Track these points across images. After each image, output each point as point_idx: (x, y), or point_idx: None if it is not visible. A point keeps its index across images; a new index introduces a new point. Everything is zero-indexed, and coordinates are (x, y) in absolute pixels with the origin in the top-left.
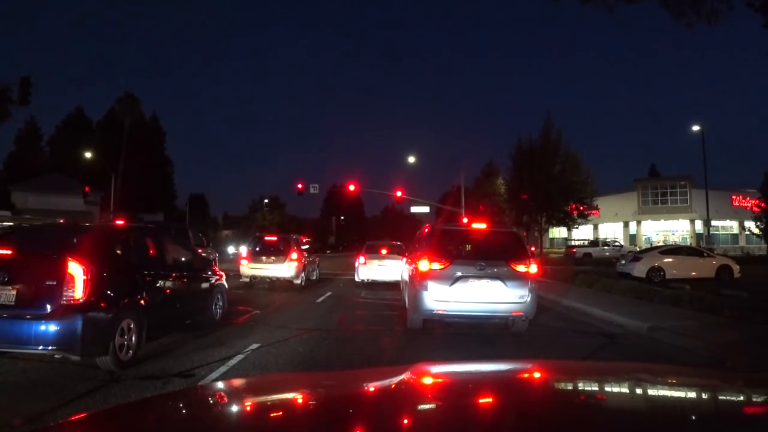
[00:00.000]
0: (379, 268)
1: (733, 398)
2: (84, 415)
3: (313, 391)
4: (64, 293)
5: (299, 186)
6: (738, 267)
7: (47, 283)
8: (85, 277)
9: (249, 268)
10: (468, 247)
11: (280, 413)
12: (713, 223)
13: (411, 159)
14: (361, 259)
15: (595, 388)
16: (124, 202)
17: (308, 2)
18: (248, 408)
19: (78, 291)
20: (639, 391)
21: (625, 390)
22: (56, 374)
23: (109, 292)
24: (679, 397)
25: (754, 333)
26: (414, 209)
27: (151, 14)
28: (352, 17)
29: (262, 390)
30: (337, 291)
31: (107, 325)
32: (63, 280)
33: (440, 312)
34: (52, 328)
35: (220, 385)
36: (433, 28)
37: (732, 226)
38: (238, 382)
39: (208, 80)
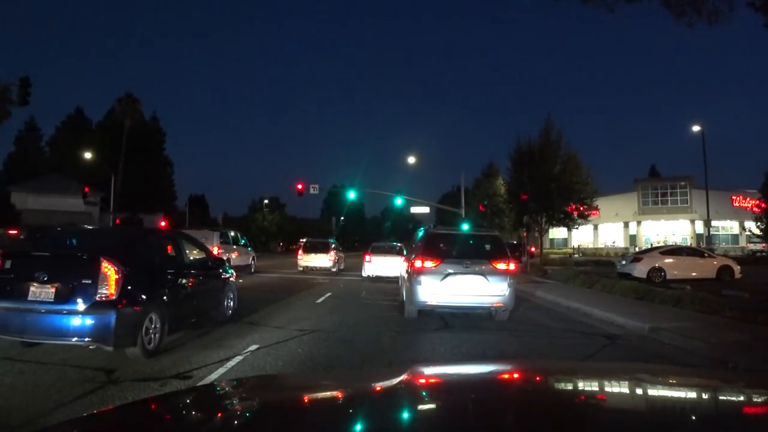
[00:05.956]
0: (382, 266)
1: (734, 398)
2: (83, 415)
3: (312, 391)
4: (99, 291)
5: (299, 186)
6: (739, 267)
7: (83, 281)
8: (117, 276)
9: (303, 261)
10: (456, 248)
11: (279, 413)
12: (713, 223)
13: (411, 159)
14: (368, 257)
15: (595, 388)
16: (124, 203)
17: (309, 3)
18: (247, 408)
19: (111, 288)
20: (639, 391)
21: (625, 390)
22: (53, 376)
23: (137, 289)
24: (680, 397)
25: (756, 334)
26: (414, 210)
27: (151, 15)
28: (353, 18)
29: (260, 390)
30: (337, 292)
31: (136, 319)
32: (97, 278)
33: (432, 303)
34: (88, 321)
35: (219, 385)
36: (434, 28)
37: (732, 226)
38: (237, 382)
39: (209, 80)
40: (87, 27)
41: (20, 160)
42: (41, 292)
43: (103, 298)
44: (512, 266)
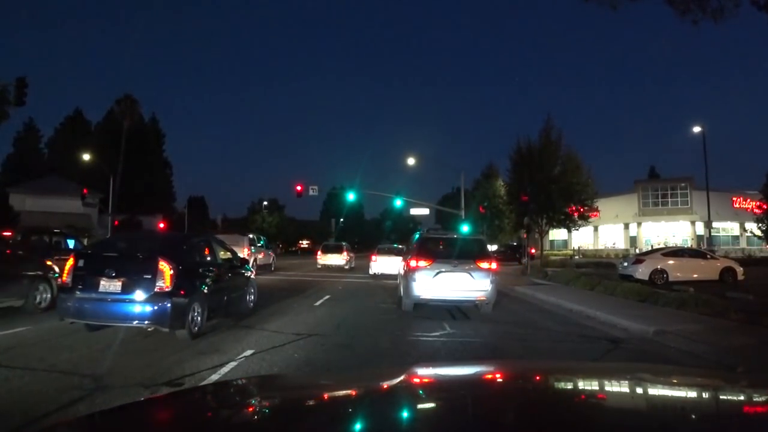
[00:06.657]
0: (386, 265)
1: (735, 399)
2: (81, 416)
3: (312, 391)
4: (157, 284)
5: (298, 188)
6: (741, 269)
7: (144, 276)
8: (171, 272)
9: (321, 260)
10: (446, 249)
11: (279, 414)
12: (714, 224)
13: (411, 161)
14: (374, 257)
15: (596, 388)
16: (123, 204)
17: (308, 4)
18: (247, 408)
19: (166, 282)
20: (640, 391)
21: (625, 390)
22: (40, 383)
23: (185, 283)
24: (680, 397)
25: (764, 337)
26: (414, 211)
27: (150, 16)
28: (352, 19)
29: (260, 390)
30: (335, 294)
31: (185, 307)
32: (155, 274)
33: (426, 298)
34: (148, 309)
35: (219, 385)
36: (434, 29)
37: (733, 227)
38: (237, 382)
39: (208, 82)
40: (86, 27)
41: (19, 162)
42: (110, 285)
43: (160, 290)
44: (494, 265)
